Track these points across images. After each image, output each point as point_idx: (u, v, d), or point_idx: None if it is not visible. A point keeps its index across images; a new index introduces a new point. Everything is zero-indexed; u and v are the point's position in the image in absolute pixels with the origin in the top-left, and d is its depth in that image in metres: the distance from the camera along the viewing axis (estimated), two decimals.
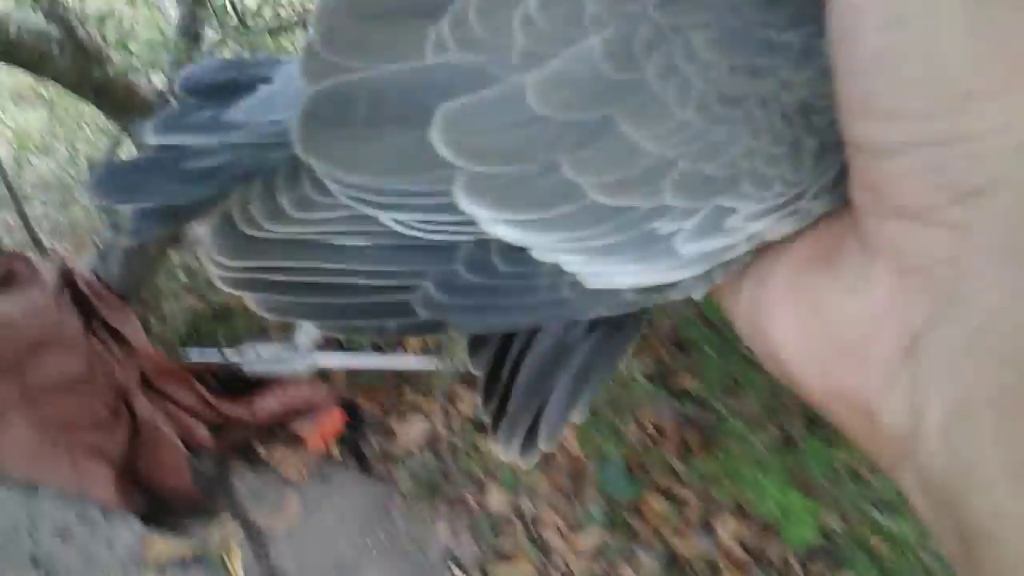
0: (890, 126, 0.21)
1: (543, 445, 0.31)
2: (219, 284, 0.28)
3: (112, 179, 0.29)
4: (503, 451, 0.31)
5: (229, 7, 1.74)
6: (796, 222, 0.27)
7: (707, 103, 0.25)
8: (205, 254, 0.28)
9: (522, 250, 0.27)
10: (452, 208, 0.27)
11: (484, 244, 0.27)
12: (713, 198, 0.26)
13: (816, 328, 0.25)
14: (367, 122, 0.26)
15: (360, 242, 0.28)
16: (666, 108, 0.25)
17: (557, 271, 0.28)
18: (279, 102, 0.30)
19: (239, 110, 0.30)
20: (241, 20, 1.72)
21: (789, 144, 0.25)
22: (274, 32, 1.90)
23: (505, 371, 0.31)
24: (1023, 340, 0.20)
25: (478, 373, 0.32)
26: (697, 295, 0.29)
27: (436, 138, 0.26)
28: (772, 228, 0.27)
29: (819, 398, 0.25)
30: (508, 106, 0.26)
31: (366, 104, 0.26)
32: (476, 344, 0.33)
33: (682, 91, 0.25)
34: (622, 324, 0.31)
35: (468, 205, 0.26)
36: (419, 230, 0.27)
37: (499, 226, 0.27)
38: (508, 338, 0.32)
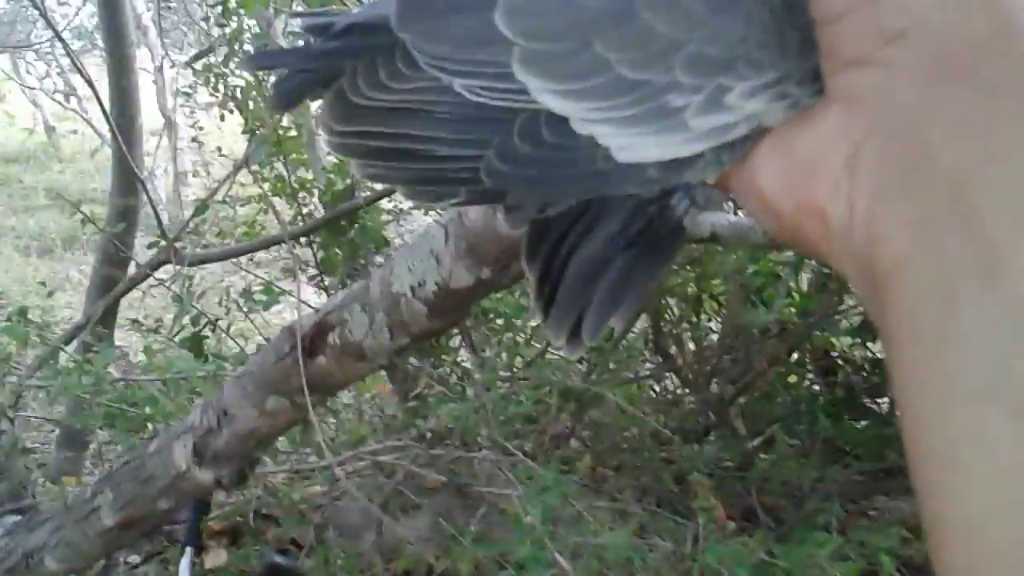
0: None
1: (586, 339, 0.36)
2: (329, 148, 0.36)
3: (260, 58, 0.44)
4: (554, 339, 0.36)
5: None
6: (786, 107, 0.32)
7: None
8: (320, 120, 0.35)
9: (564, 122, 0.33)
10: (510, 77, 0.33)
11: (535, 117, 0.33)
12: (715, 77, 0.32)
13: (787, 163, 0.31)
14: (448, 6, 0.34)
15: (439, 109, 0.34)
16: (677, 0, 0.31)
17: (593, 143, 0.33)
18: (385, 3, 0.35)
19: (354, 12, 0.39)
20: None
21: (776, 34, 0.31)
22: None
23: (555, 271, 0.37)
24: (926, 135, 0.26)
25: (532, 273, 0.37)
26: (710, 177, 0.34)
27: (499, 20, 0.32)
28: (766, 110, 0.32)
29: (789, 216, 0.31)
30: (568, 30, 0.32)
31: None
32: (532, 250, 0.37)
33: None
34: (658, 245, 0.37)
35: (522, 75, 0.33)
36: (484, 96, 0.33)
37: (544, 95, 0.33)
38: (559, 245, 0.37)
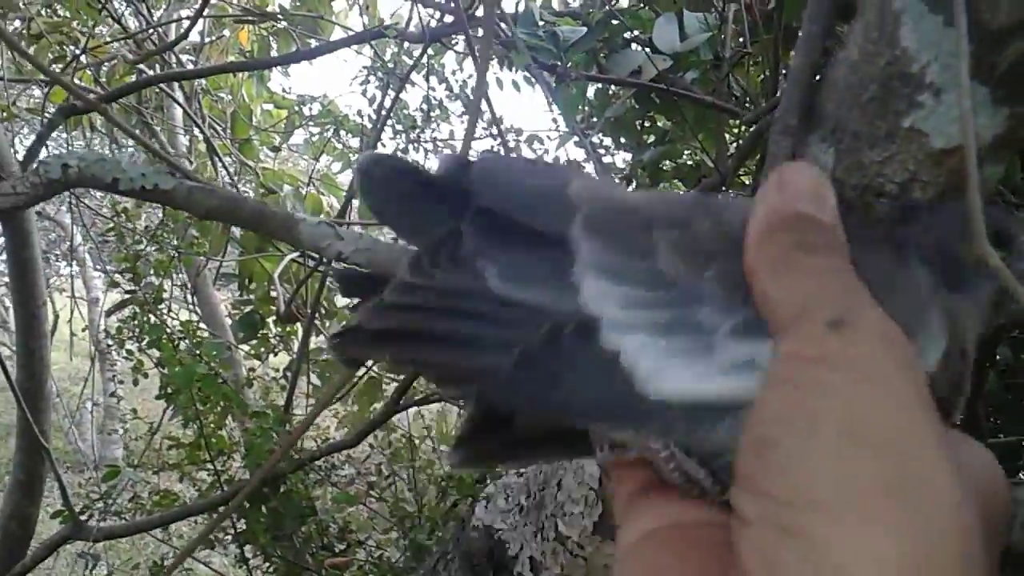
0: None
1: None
2: (367, 317, 0.36)
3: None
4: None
5: None
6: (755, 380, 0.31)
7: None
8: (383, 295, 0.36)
9: (594, 334, 0.32)
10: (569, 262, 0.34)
11: (559, 326, 0.32)
12: (744, 304, 0.32)
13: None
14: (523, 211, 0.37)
15: (473, 306, 0.34)
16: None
17: (614, 362, 0.32)
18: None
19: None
20: None
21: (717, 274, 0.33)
22: None
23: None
24: None
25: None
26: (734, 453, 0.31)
27: (576, 226, 0.35)
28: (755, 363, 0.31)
29: None
30: (632, 216, 0.36)
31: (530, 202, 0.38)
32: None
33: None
34: None
35: (581, 236, 0.35)
36: (518, 287, 0.34)
37: (590, 272, 0.33)
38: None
